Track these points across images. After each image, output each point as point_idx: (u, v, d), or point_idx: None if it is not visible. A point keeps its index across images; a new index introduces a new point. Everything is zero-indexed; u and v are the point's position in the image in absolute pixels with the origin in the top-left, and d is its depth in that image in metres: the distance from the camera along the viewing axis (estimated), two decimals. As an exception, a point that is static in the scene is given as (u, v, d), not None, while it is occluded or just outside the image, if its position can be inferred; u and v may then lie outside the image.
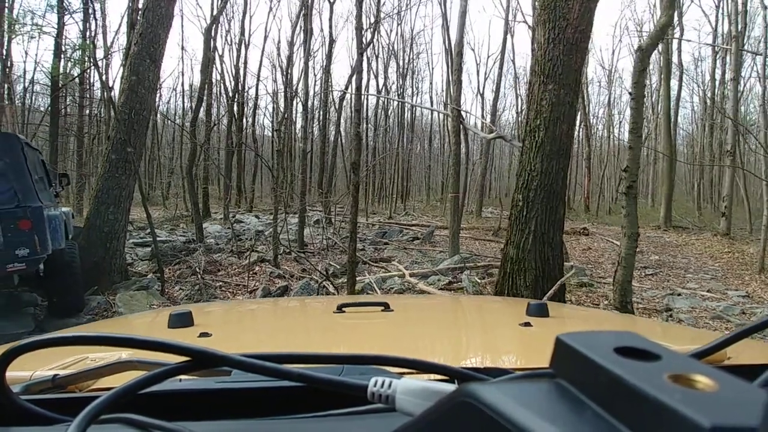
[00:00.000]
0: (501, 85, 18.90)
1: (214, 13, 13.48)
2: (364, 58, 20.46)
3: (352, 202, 4.42)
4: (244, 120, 20.26)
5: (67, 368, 0.55)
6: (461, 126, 8.92)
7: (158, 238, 9.50)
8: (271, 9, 31.35)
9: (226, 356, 0.34)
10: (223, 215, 15.44)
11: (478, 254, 8.93)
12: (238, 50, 19.25)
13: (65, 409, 0.40)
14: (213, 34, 11.06)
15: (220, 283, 5.87)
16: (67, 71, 16.27)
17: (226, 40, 20.15)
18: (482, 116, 20.77)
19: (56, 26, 15.59)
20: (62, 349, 0.41)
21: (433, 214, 21.74)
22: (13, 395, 0.37)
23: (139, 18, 5.27)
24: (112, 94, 5.89)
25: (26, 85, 20.82)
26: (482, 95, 24.87)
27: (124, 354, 0.54)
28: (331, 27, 15.83)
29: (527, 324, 0.97)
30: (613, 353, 0.21)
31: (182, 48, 34.16)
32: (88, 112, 19.23)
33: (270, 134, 27.32)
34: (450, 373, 0.40)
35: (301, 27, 12.90)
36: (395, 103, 25.84)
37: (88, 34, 16.41)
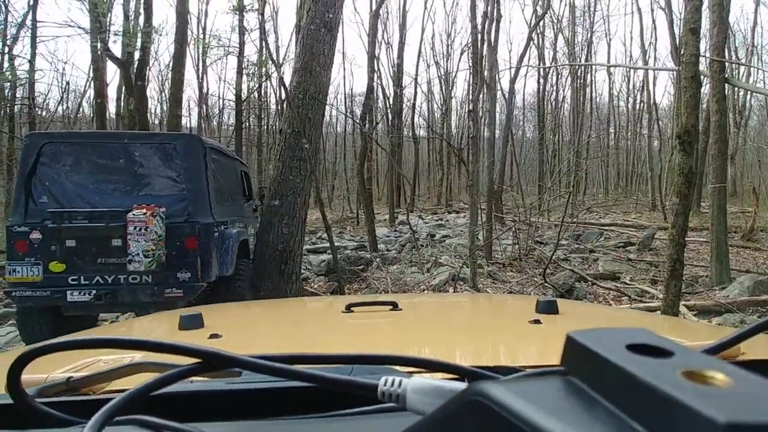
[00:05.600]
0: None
1: (373, 12, 12.81)
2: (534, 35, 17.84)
3: (680, 200, 2.54)
4: (403, 119, 19.55)
5: (81, 371, 0.55)
6: (724, 84, 6.18)
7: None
8: (425, 6, 30.28)
9: (236, 357, 0.35)
10: (389, 217, 14.78)
11: (762, 273, 6.06)
12: (398, 48, 18.58)
13: (79, 412, 0.40)
14: (376, 20, 10.15)
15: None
16: (250, 87, 17.62)
17: (383, 39, 19.69)
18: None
19: (237, 45, 16.95)
20: (76, 352, 0.41)
21: (622, 210, 18.24)
22: (29, 398, 0.37)
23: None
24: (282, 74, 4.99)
25: (221, 106, 23.75)
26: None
27: (137, 356, 0.53)
28: (498, 3, 13.68)
29: (537, 321, 0.95)
30: (625, 350, 0.21)
31: (343, 54, 35.43)
32: (265, 123, 20.85)
33: (425, 133, 26.42)
34: (460, 372, 0.39)
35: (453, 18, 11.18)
36: (563, 87, 22.36)
37: (264, 50, 17.45)
